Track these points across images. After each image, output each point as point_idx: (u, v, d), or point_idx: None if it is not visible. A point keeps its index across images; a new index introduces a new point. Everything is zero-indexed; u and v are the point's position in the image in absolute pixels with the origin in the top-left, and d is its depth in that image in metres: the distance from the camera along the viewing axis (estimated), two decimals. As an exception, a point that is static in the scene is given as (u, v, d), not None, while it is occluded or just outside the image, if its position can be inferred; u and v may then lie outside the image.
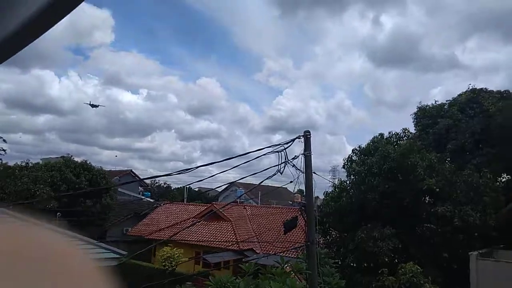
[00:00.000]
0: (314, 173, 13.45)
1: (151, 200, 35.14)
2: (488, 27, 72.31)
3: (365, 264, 17.21)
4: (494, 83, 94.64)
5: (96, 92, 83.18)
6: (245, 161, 11.41)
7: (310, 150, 15.16)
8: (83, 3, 0.65)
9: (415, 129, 25.77)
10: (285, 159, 12.60)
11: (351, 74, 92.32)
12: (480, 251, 14.49)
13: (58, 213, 22.53)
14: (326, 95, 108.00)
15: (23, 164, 27.91)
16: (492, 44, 73.94)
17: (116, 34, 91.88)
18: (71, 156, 29.91)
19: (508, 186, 20.19)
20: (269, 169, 12.27)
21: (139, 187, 40.84)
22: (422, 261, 16.51)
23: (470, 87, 25.63)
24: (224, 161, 11.44)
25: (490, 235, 16.68)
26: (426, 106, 26.67)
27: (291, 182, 13.11)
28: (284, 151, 12.89)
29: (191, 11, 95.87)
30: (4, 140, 27.50)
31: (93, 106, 49.53)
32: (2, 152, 27.21)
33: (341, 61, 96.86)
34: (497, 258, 14.82)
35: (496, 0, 70.18)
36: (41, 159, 33.94)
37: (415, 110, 26.90)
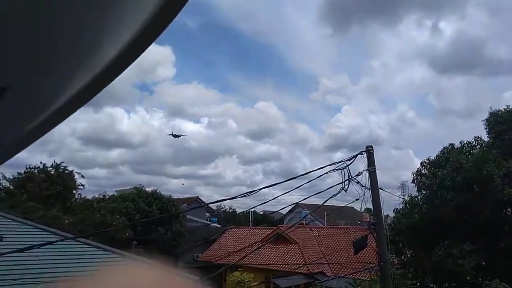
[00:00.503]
0: (380, 189, 13.09)
1: (218, 226, 35.94)
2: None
3: (446, 285, 16.08)
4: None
5: (161, 124, 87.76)
6: (307, 181, 11.42)
7: (375, 166, 14.77)
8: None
9: (488, 137, 24.07)
10: (349, 176, 12.41)
11: (412, 84, 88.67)
12: None
13: (134, 242, 23.85)
14: (387, 109, 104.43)
15: (100, 196, 30.17)
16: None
17: (177, 68, 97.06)
18: (143, 186, 31.77)
19: None
20: (333, 188, 12.14)
21: (206, 213, 42.01)
22: (510, 279, 15.06)
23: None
24: (287, 182, 11.55)
25: None
26: (499, 111, 24.86)
27: (356, 199, 12.85)
28: (347, 168, 12.71)
29: (244, 38, 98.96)
30: (82, 176, 30.06)
31: (175, 136, 52.50)
32: (81, 187, 29.68)
33: (401, 72, 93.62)
34: None
35: None
36: (115, 191, 36.34)
37: (487, 116, 25.21)
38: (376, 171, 12.05)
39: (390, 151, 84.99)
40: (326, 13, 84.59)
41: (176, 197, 36.69)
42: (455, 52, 76.77)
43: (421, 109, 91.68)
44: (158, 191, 31.05)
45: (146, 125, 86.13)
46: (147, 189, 31.39)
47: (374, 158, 14.83)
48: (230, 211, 47.96)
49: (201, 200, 40.01)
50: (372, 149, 15.25)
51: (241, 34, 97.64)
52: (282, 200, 51.97)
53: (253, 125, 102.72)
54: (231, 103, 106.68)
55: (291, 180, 11.08)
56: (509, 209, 17.63)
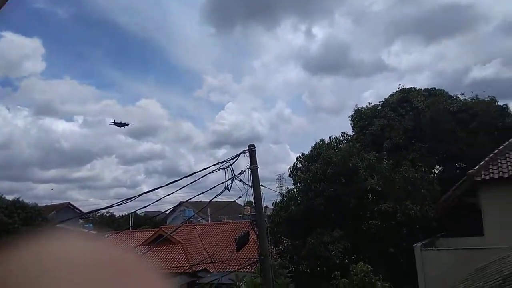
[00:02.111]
0: (262, 185, 13.30)
1: (95, 233, 33.13)
2: (409, 31, 77.99)
3: (318, 269, 17.27)
4: (420, 82, 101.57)
5: (26, 124, 78.01)
6: (192, 181, 11.01)
7: (256, 164, 14.98)
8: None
9: (353, 132, 26.73)
10: (232, 175, 12.33)
11: (289, 84, 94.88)
12: (423, 242, 15.09)
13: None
14: (267, 106, 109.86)
15: None
16: (415, 47, 79.77)
17: (47, 62, 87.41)
18: (2, 195, 27.49)
19: (442, 177, 21.40)
20: (217, 187, 11.95)
21: (80, 220, 38.43)
22: (372, 259, 16.89)
23: (400, 87, 27.17)
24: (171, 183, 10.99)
25: (431, 226, 17.49)
26: (362, 108, 27.81)
27: (239, 197, 12.85)
28: (230, 167, 12.62)
29: (124, 33, 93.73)
30: None
31: (120, 125, 46.11)
32: None
33: (279, 72, 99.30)
34: (438, 246, 15.51)
35: (415, 6, 75.94)
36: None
37: (352, 113, 27.99)
38: (258, 166, 12.23)
39: (269, 146, 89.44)
40: (210, 12, 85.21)
41: (44, 204, 32.78)
42: (325, 55, 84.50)
43: (297, 107, 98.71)
44: (21, 199, 27.20)
45: (9, 124, 75.65)
46: (7, 197, 27.29)
47: (256, 156, 15.03)
48: (108, 215, 44.70)
49: (73, 205, 36.45)
50: (254, 148, 15.43)
51: (120, 28, 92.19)
52: (165, 199, 50.58)
53: (134, 123, 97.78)
54: (110, 100, 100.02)
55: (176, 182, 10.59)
56: (370, 197, 19.72)
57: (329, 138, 23.37)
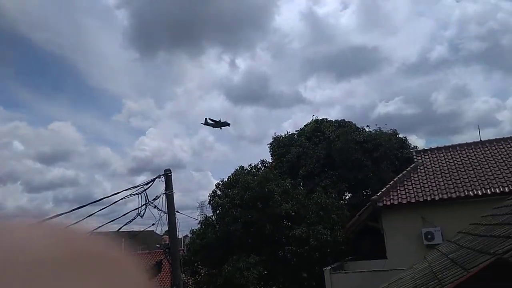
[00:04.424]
0: (177, 211, 12.98)
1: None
2: (323, 69, 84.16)
3: (234, 297, 17.13)
4: (333, 115, 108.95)
5: None
6: (103, 207, 10.38)
7: (172, 189, 14.60)
8: None
9: (272, 159, 27.58)
10: (146, 200, 11.86)
11: (212, 112, 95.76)
12: (332, 266, 15.80)
13: None
14: (190, 133, 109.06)
15: None
16: (327, 83, 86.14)
17: None
18: None
19: (351, 203, 22.84)
20: (130, 213, 11.36)
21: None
22: (286, 284, 17.25)
23: (314, 118, 28.87)
24: (83, 209, 10.20)
25: (340, 250, 18.43)
26: (280, 137, 28.92)
27: (153, 224, 12.37)
28: (145, 192, 12.16)
29: (38, 49, 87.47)
30: None
31: None
32: None
33: (202, 100, 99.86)
34: (346, 270, 16.35)
35: (328, 47, 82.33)
36: None
37: (271, 141, 28.97)
38: (178, 193, 11.92)
39: (191, 173, 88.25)
40: (133, 36, 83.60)
41: None
42: (247, 86, 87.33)
43: (220, 135, 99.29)
44: None
45: None
46: None
47: (171, 181, 14.67)
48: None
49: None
50: (170, 173, 15.07)
51: (33, 44, 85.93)
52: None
53: (45, 147, 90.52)
54: (18, 121, 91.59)
55: (87, 207, 9.91)
56: (285, 222, 20.29)
57: (249, 165, 23.86)
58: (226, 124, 53.40)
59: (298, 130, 28.74)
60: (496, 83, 75.60)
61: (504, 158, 17.16)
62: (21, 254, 0.32)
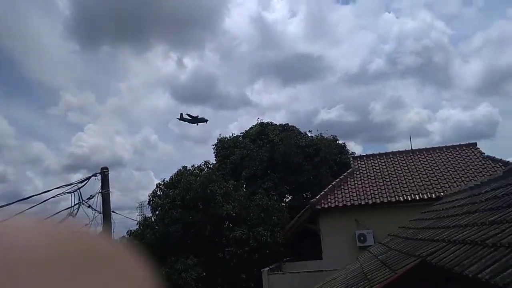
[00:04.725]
0: (113, 212, 12.45)
1: None
2: (270, 73, 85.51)
3: (172, 300, 16.77)
4: (278, 119, 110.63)
5: None
6: (32, 206, 9.71)
7: (109, 188, 13.97)
8: None
9: (215, 160, 27.46)
10: (79, 199, 11.24)
11: (156, 110, 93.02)
12: (271, 267, 16.06)
13: None
14: (132, 131, 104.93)
15: None
16: (274, 87, 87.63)
17: None
18: None
19: (291, 205, 23.36)
20: (62, 213, 10.69)
21: None
22: (225, 286, 17.22)
23: (259, 121, 29.22)
24: (13, 208, 9.45)
25: (279, 251, 18.78)
26: (225, 138, 28.91)
27: (86, 225, 11.73)
28: (78, 190, 11.52)
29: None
30: None
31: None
32: None
33: (147, 98, 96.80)
34: (284, 270, 16.71)
35: (275, 52, 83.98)
36: None
37: (216, 142, 28.87)
38: (117, 192, 11.40)
39: (132, 172, 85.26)
40: (75, 27, 79.00)
41: None
42: (194, 85, 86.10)
43: (163, 134, 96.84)
44: None
45: None
46: None
47: (108, 180, 14.03)
48: None
49: None
50: (107, 171, 14.41)
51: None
52: None
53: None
54: None
55: (15, 204, 9.20)
56: (226, 223, 20.28)
57: (192, 166, 23.55)
58: (204, 120, 52.10)
59: (243, 132, 28.92)
60: (428, 96, 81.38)
61: (432, 167, 18.52)
62: (28, 252, 0.32)
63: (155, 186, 21.84)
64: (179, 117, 52.24)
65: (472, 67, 77.99)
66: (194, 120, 51.19)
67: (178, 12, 77.68)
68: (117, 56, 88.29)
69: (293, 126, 28.64)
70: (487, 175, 13.47)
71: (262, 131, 27.59)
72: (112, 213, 12.06)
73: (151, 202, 21.16)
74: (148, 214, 21.49)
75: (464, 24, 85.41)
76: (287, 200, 25.22)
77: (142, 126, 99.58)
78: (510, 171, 7.03)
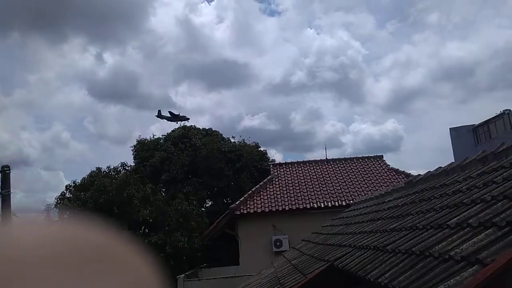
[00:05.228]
0: (14, 215, 11.34)
1: None
2: (195, 76, 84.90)
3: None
4: (202, 123, 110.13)
5: None
6: None
7: (9, 188, 12.77)
8: None
9: (134, 162, 26.40)
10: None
11: (70, 106, 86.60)
12: (186, 273, 15.80)
13: None
14: (42, 127, 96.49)
15: None
16: (199, 91, 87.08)
17: None
18: None
19: (211, 210, 23.29)
20: None
21: None
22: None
23: (182, 124, 28.79)
24: None
25: (197, 257, 18.56)
26: (145, 140, 27.95)
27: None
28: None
29: None
30: None
31: None
32: None
33: (60, 92, 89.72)
34: (200, 277, 16.54)
35: (201, 56, 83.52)
36: None
37: (135, 143, 27.76)
38: (20, 193, 10.41)
39: (40, 172, 78.31)
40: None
41: None
42: (114, 83, 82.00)
43: (77, 132, 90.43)
44: None
45: None
46: None
47: (9, 179, 12.80)
48: None
49: None
50: (9, 169, 13.16)
51: None
52: None
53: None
54: None
55: None
56: (143, 228, 19.54)
57: (107, 167, 22.32)
58: (186, 118, 49.02)
59: (164, 135, 28.26)
60: (343, 110, 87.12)
61: (343, 176, 19.76)
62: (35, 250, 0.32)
63: (65, 188, 20.36)
64: (157, 115, 49.73)
65: (382, 86, 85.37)
66: (175, 118, 48.82)
67: (99, 4, 73.52)
68: (29, 46, 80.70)
69: (216, 131, 28.68)
70: (391, 185, 14.72)
71: (185, 134, 27.18)
72: (13, 216, 11.00)
73: (58, 205, 19.63)
74: (56, 218, 19.90)
75: (377, 46, 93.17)
76: (207, 205, 25.10)
77: (53, 123, 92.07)
78: (410, 183, 7.77)
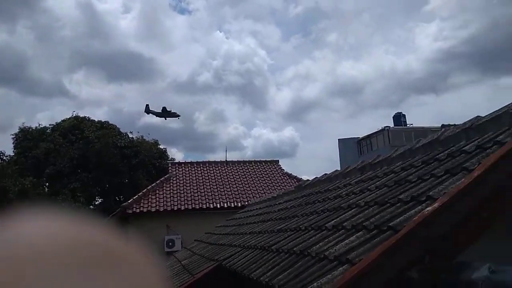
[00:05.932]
0: None
1: None
2: (94, 65, 79.27)
3: None
4: (98, 115, 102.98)
5: None
6: None
7: None
8: None
9: (14, 152, 23.61)
10: None
11: None
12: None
13: None
14: None
15: None
16: (97, 81, 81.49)
17: None
18: None
19: (101, 208, 21.87)
20: None
21: None
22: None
23: (74, 115, 26.52)
24: None
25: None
26: (29, 128, 25.15)
27: None
28: None
29: None
30: None
31: None
32: None
33: None
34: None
35: (103, 44, 78.32)
36: None
37: (17, 131, 24.81)
38: None
39: None
40: None
41: None
42: (-4, 62, 72.35)
43: None
44: None
45: None
46: None
47: None
48: None
49: None
50: None
51: None
52: None
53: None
54: None
55: None
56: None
57: (-22, 155, 19.58)
58: (176, 115, 42.52)
59: (53, 124, 25.77)
60: (246, 114, 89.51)
61: (241, 178, 20.22)
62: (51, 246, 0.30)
63: None
64: (145, 110, 43.15)
65: (283, 95, 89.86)
66: (164, 114, 42.82)
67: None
68: None
69: (113, 125, 27.11)
70: (284, 189, 15.50)
71: (76, 125, 25.14)
72: None
73: None
74: None
75: (281, 57, 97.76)
76: (97, 202, 23.54)
77: None
78: (299, 187, 8.27)
